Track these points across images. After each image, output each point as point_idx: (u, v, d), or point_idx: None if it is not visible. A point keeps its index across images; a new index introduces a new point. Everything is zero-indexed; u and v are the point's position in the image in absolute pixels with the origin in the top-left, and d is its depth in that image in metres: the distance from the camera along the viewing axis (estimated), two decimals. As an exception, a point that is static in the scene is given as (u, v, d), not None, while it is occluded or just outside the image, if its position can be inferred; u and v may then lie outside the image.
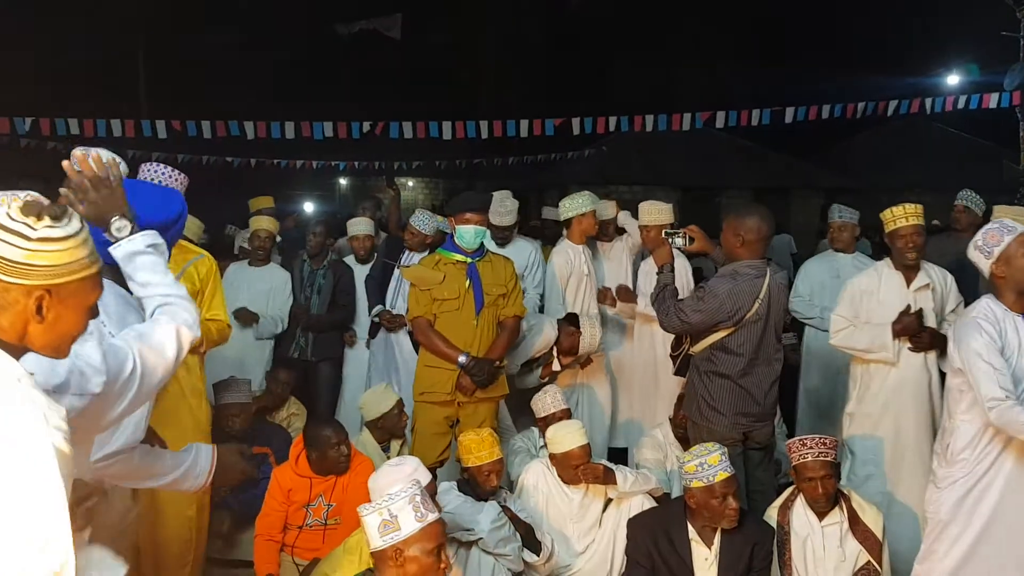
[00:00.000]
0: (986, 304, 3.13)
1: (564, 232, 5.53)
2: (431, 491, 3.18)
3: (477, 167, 19.01)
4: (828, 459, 3.43)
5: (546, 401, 4.48)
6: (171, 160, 15.61)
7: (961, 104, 13.17)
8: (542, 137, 13.04)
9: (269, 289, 5.83)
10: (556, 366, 4.94)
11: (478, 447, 3.66)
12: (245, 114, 12.17)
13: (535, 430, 4.63)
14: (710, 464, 3.31)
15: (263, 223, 6.04)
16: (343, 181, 28.02)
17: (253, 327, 5.70)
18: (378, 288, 5.74)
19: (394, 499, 2.57)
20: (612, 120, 12.00)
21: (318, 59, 23.38)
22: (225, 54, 21.95)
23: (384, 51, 20.28)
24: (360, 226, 6.24)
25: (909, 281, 4.21)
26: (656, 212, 5.24)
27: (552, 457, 3.90)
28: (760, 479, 3.96)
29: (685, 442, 4.47)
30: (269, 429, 4.90)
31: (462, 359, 4.21)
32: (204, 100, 16.90)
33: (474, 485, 3.67)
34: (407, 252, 5.73)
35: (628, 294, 5.31)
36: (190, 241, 4.98)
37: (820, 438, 3.46)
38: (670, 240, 4.04)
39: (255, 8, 21.74)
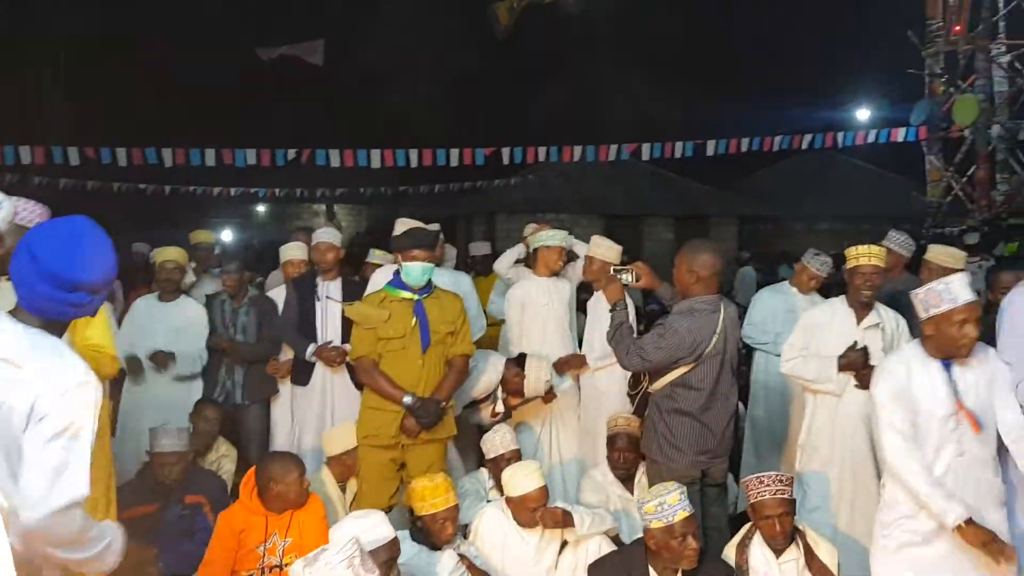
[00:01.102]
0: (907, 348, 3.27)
1: (525, 263, 5.50)
2: (394, 549, 3.03)
3: (403, 195, 18.87)
4: (785, 496, 3.43)
5: (495, 441, 4.37)
6: (79, 188, 15.03)
7: (871, 138, 13.80)
8: (469, 165, 13.06)
9: (183, 325, 5.46)
10: (500, 407, 4.84)
11: (432, 494, 3.53)
12: (163, 141, 11.77)
13: (483, 471, 4.51)
14: (670, 504, 3.27)
15: (170, 254, 5.62)
16: (261, 208, 27.41)
17: (171, 366, 5.36)
18: (296, 330, 5.31)
19: (332, 565, 2.50)
20: (542, 150, 12.11)
21: (240, 84, 22.93)
22: (147, 78, 21.33)
23: (307, 77, 19.99)
24: (295, 251, 5.82)
25: (860, 319, 4.33)
26: (604, 248, 5.21)
27: (508, 500, 3.80)
28: (715, 515, 3.94)
29: (626, 481, 4.45)
30: (201, 475, 4.60)
31: (407, 400, 4.06)
32: (120, 126, 16.34)
33: (428, 534, 3.52)
34: (321, 280, 5.32)
35: (576, 360, 5.21)
36: None
37: (777, 475, 3.46)
38: (619, 276, 4.04)
39: (176, 32, 21.23)
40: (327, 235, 5.44)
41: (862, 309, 4.32)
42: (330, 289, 5.25)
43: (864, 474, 4.30)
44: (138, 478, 4.40)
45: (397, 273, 4.27)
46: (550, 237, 5.29)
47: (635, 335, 3.89)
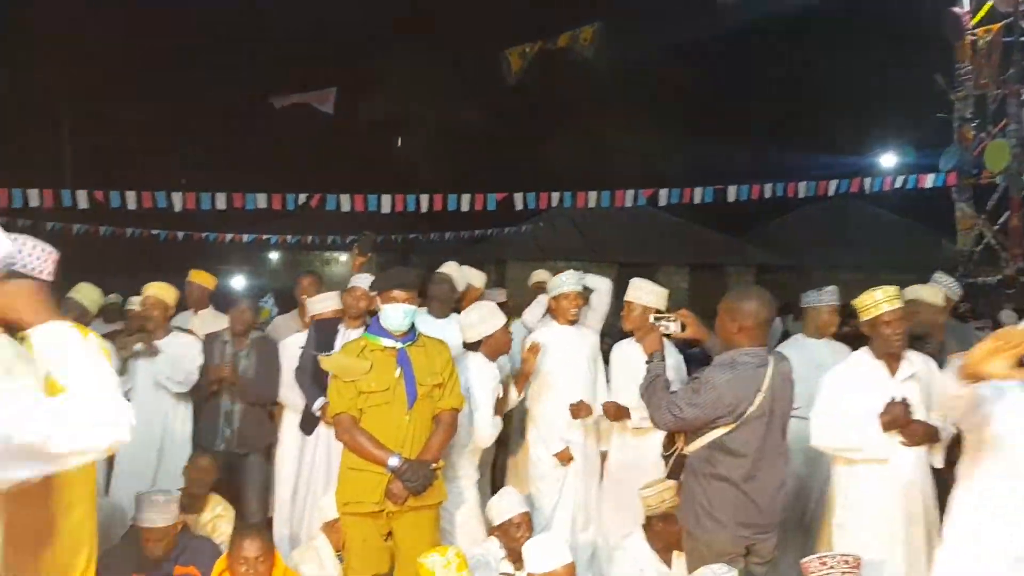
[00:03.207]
0: None
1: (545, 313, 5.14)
2: None
3: (413, 242, 18.62)
4: (851, 580, 2.99)
5: (502, 506, 3.95)
6: (92, 233, 14.90)
7: (899, 184, 13.41)
8: (479, 213, 12.79)
9: (173, 357, 5.24)
10: (514, 395, 4.58)
11: (444, 571, 3.11)
12: (174, 185, 11.58)
13: (493, 540, 4.05)
14: None
15: (152, 289, 5.42)
16: (273, 256, 27.25)
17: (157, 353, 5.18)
18: (310, 377, 4.98)
19: None
20: (555, 195, 11.81)
21: (251, 131, 22.95)
22: (156, 124, 21.38)
23: (318, 125, 19.95)
24: (328, 302, 5.39)
25: (893, 371, 3.84)
26: (647, 292, 4.74)
27: (530, 577, 3.36)
28: (760, 598, 3.49)
29: (663, 553, 4.01)
30: (194, 543, 4.16)
31: (393, 461, 3.64)
32: (131, 171, 16.26)
33: (439, 616, 3.11)
34: (343, 328, 5.03)
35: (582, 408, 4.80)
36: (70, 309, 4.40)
37: (842, 556, 3.04)
38: (660, 325, 3.62)
39: (188, 78, 21.30)
40: (364, 281, 5.06)
41: (893, 359, 3.82)
42: (351, 338, 4.84)
43: (920, 551, 3.77)
44: (123, 544, 3.98)
45: (376, 319, 3.86)
46: (563, 283, 4.90)
47: (671, 389, 3.45)
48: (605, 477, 4.87)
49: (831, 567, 3.00)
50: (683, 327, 3.62)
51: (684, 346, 4.90)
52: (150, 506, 3.84)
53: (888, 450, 3.75)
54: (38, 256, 2.88)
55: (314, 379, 4.85)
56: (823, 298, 4.87)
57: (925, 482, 3.82)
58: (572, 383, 4.78)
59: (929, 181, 13.34)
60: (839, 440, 3.80)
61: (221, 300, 6.60)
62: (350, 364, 3.74)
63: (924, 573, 3.63)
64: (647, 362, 3.58)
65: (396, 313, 3.74)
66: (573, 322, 4.90)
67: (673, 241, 21.44)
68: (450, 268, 5.50)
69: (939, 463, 3.83)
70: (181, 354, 5.28)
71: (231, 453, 5.19)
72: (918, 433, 3.73)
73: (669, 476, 3.68)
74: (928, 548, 3.68)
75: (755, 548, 3.41)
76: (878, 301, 3.76)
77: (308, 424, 5.10)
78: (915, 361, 3.88)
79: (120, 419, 1.69)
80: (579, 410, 4.70)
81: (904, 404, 3.70)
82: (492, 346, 4.37)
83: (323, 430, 4.96)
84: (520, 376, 4.62)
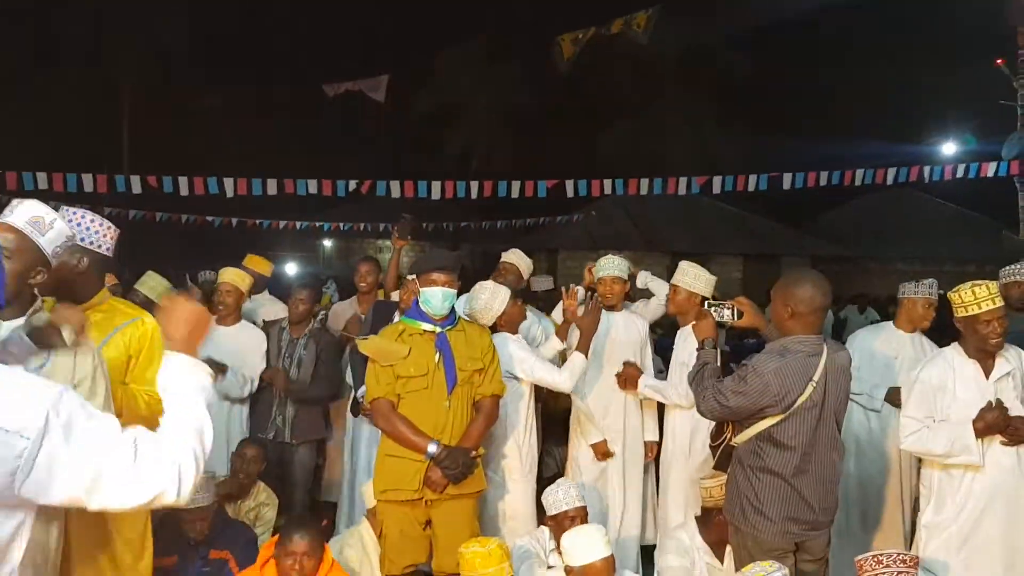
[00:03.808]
0: None
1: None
2: None
3: (464, 230, 18.61)
4: (909, 577, 2.87)
5: (558, 496, 3.88)
6: (149, 219, 15.21)
7: (960, 173, 12.95)
8: (530, 201, 12.69)
9: (239, 350, 5.14)
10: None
11: (484, 562, 3.08)
12: (226, 171, 11.70)
13: (544, 530, 4.00)
14: None
15: (227, 275, 5.37)
16: (327, 243, 27.55)
17: (220, 379, 4.95)
18: (363, 361, 5.05)
19: None
20: (607, 183, 11.64)
21: (305, 119, 23.18)
22: (214, 112, 21.72)
23: (373, 113, 20.05)
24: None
25: (988, 370, 3.67)
26: (692, 276, 4.64)
27: (569, 570, 3.30)
28: (810, 597, 3.37)
29: (718, 547, 3.90)
30: (231, 529, 4.18)
31: (432, 448, 3.59)
32: (185, 157, 16.54)
33: (478, 607, 3.06)
34: (399, 313, 5.05)
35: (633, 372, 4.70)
36: (135, 301, 4.35)
37: (899, 554, 2.91)
38: (715, 312, 3.52)
39: (244, 65, 21.56)
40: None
41: (987, 358, 3.66)
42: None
43: (1019, 546, 3.60)
44: (159, 525, 4.02)
45: (416, 303, 3.81)
46: (601, 267, 4.82)
47: (719, 378, 3.35)
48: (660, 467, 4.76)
49: (887, 565, 2.87)
50: (739, 315, 3.51)
51: (741, 336, 4.79)
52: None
53: (984, 456, 3.60)
54: (97, 231, 2.92)
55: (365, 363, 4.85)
56: (920, 290, 4.72)
57: None
58: (615, 368, 4.70)
59: (991, 170, 12.84)
60: (930, 444, 3.65)
61: (276, 287, 6.62)
62: (388, 348, 3.70)
63: None
64: (698, 349, 3.48)
65: (436, 297, 3.69)
66: (613, 307, 4.81)
67: (727, 230, 21.10)
68: (514, 256, 5.43)
69: None
70: (247, 347, 5.21)
71: (282, 443, 5.19)
72: (1021, 431, 3.58)
73: (716, 467, 3.59)
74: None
75: (805, 545, 3.30)
76: (979, 298, 3.56)
77: (357, 408, 5.07)
78: (1011, 358, 3.70)
79: (184, 483, 1.69)
80: (626, 377, 4.62)
81: (1001, 408, 3.56)
82: (509, 320, 4.33)
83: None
84: (561, 326, 4.56)
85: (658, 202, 17.83)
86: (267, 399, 5.24)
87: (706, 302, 3.69)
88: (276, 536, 3.45)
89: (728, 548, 3.79)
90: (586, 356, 4.26)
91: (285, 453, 5.22)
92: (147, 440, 1.66)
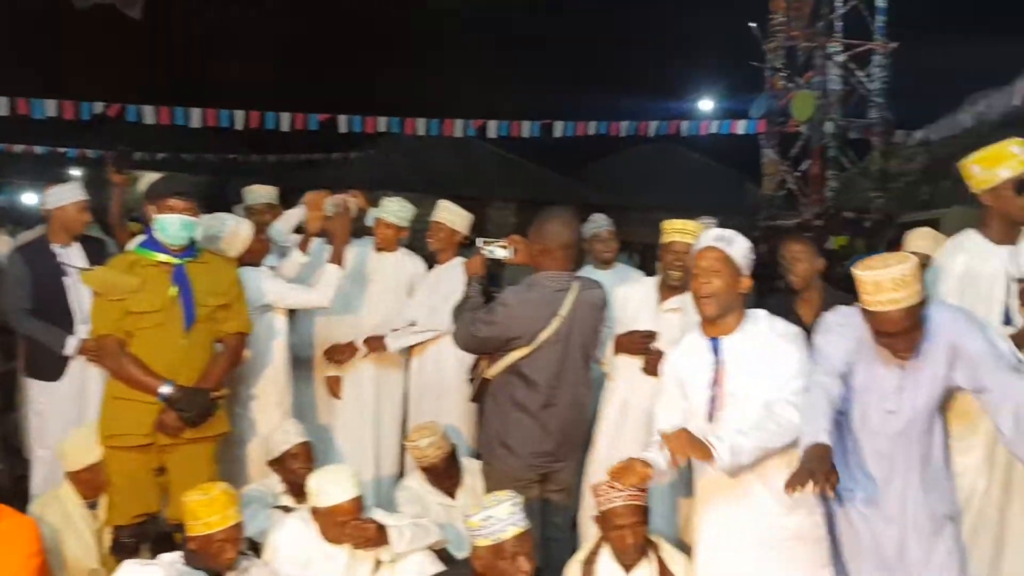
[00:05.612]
0: None
1: None
2: None
3: (230, 162, 17.55)
4: (638, 503, 2.97)
5: (276, 439, 3.71)
6: None
7: (714, 129, 13.97)
8: (305, 136, 12.16)
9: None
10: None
11: (207, 510, 2.83)
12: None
13: (274, 474, 3.80)
14: (499, 518, 2.74)
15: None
16: (75, 172, 25.01)
17: None
18: None
19: None
20: (382, 120, 11.37)
21: (47, 33, 20.69)
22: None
23: (125, 30, 18.23)
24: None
25: (663, 300, 3.71)
26: (452, 213, 4.51)
27: (315, 511, 3.15)
28: (558, 525, 3.44)
29: (448, 488, 3.84)
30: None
31: (165, 389, 3.28)
32: None
33: (204, 557, 2.83)
34: (58, 246, 4.20)
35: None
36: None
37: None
38: (487, 250, 3.45)
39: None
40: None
41: (667, 292, 3.71)
42: (71, 256, 4.22)
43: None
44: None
45: (150, 231, 3.45)
46: (380, 209, 4.61)
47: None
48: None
49: (620, 490, 2.96)
50: (515, 251, 3.46)
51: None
52: None
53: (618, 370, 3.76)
54: None
55: (45, 315, 4.13)
56: (589, 228, 4.98)
57: None
58: (376, 313, 4.53)
59: (741, 127, 13.96)
60: None
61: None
62: (116, 280, 3.31)
63: None
64: (466, 284, 3.43)
65: (172, 224, 3.34)
66: (384, 249, 4.63)
67: (504, 176, 21.43)
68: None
69: None
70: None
71: None
72: (655, 364, 3.49)
73: (473, 400, 3.57)
74: None
75: (551, 476, 3.37)
76: (673, 229, 3.68)
77: (50, 368, 4.19)
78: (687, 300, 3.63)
79: None
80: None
81: (648, 332, 3.65)
82: (253, 254, 4.07)
83: (72, 377, 4.19)
84: (304, 238, 4.40)
85: (436, 144, 17.71)
86: None
87: (481, 240, 3.61)
88: None
89: (461, 486, 3.79)
90: (340, 265, 4.06)
91: None
92: None
